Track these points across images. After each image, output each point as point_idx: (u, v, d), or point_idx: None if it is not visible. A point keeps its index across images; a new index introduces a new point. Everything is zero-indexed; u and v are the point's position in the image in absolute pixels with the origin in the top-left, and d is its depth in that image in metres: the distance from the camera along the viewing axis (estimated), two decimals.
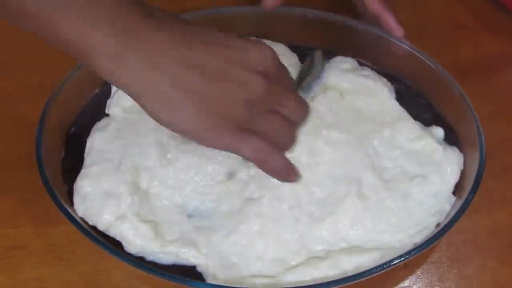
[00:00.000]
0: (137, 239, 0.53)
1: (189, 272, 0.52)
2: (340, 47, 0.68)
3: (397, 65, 0.65)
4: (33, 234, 0.57)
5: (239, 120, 0.42)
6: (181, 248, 0.52)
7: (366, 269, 0.49)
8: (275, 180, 0.50)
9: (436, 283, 0.54)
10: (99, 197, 0.54)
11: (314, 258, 0.52)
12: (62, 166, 0.59)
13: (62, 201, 0.52)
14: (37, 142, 0.56)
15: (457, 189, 0.56)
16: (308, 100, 0.54)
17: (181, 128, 0.42)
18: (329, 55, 0.65)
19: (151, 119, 0.58)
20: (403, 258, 0.50)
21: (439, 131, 0.60)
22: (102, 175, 0.55)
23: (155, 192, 0.55)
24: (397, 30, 0.65)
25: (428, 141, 0.58)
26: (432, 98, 0.64)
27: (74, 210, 0.54)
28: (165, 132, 0.58)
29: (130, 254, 0.52)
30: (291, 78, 0.47)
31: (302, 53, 0.67)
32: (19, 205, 0.59)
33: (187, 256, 0.52)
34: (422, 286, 0.54)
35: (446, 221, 0.53)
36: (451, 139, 0.60)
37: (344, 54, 0.67)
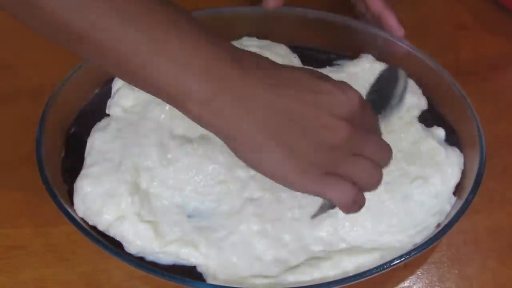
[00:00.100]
0: (137, 239, 0.53)
1: (189, 272, 0.52)
2: (340, 47, 0.68)
3: (397, 65, 0.65)
4: (33, 234, 0.57)
5: (325, 164, 0.42)
6: (181, 248, 0.52)
7: (366, 269, 0.49)
8: (272, 182, 0.50)
9: (436, 283, 0.54)
10: (99, 197, 0.54)
11: (314, 259, 0.52)
12: (62, 166, 0.59)
13: (62, 201, 0.52)
14: (37, 142, 0.56)
15: (457, 189, 0.56)
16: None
17: (270, 172, 0.43)
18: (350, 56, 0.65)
19: (151, 119, 0.59)
20: (403, 259, 0.50)
21: (440, 132, 0.60)
22: (102, 175, 0.55)
23: (155, 192, 0.55)
24: (398, 30, 0.65)
25: (430, 143, 0.58)
26: (432, 98, 0.64)
27: (74, 210, 0.54)
28: (165, 132, 0.58)
29: (130, 254, 0.52)
30: (375, 118, 0.47)
31: (303, 53, 0.68)
32: (19, 205, 0.59)
33: (187, 256, 0.52)
34: (422, 286, 0.54)
35: (446, 221, 0.53)
36: (452, 139, 0.60)
37: (344, 54, 0.67)
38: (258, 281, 0.51)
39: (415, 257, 0.50)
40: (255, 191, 0.55)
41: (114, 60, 0.41)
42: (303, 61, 0.67)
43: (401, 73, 0.52)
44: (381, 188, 0.54)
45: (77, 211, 0.54)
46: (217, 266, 0.52)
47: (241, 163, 0.55)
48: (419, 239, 0.53)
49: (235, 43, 0.66)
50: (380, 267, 0.49)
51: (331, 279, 0.49)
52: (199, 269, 0.52)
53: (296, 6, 0.69)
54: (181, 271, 0.52)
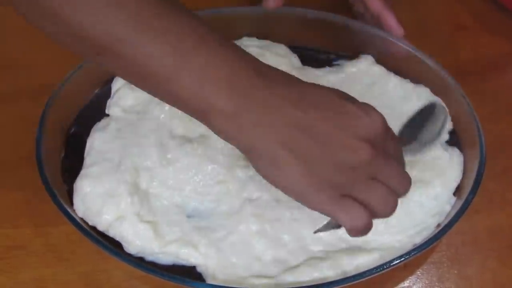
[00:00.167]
0: (136, 239, 0.53)
1: (189, 273, 0.52)
2: (340, 47, 0.68)
3: (397, 65, 0.65)
4: (33, 234, 0.57)
5: (343, 185, 0.42)
6: (180, 248, 0.52)
7: (366, 269, 0.49)
8: None
9: (436, 283, 0.54)
10: (99, 197, 0.54)
11: (314, 259, 0.52)
12: (62, 166, 0.59)
13: (62, 201, 0.53)
14: (37, 142, 0.56)
15: (457, 190, 0.56)
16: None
17: (286, 188, 0.43)
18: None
19: (151, 119, 0.59)
20: (403, 259, 0.50)
21: (444, 135, 0.60)
22: (102, 175, 0.55)
23: (154, 192, 0.55)
24: (397, 30, 0.65)
25: (435, 151, 0.58)
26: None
27: (74, 210, 0.54)
28: (165, 132, 0.58)
29: (129, 255, 0.52)
30: (398, 145, 0.46)
31: (302, 53, 0.67)
32: (19, 205, 0.59)
33: (186, 256, 0.52)
34: (422, 286, 0.54)
35: (446, 222, 0.53)
36: (451, 139, 0.60)
37: (344, 54, 0.67)
38: (258, 281, 0.51)
39: (415, 257, 0.50)
40: (254, 192, 0.55)
41: (139, 74, 0.41)
42: (303, 61, 0.67)
43: (442, 111, 0.52)
44: None
45: (76, 211, 0.54)
46: (217, 266, 0.52)
47: (240, 163, 0.56)
48: (418, 239, 0.53)
49: (236, 43, 0.67)
50: (380, 267, 0.49)
51: (331, 279, 0.49)
52: (198, 269, 0.52)
53: (296, 6, 0.68)
54: (180, 271, 0.52)
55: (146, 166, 0.56)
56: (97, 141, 0.58)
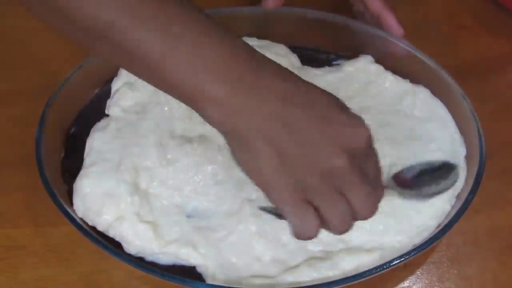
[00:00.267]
0: (136, 239, 0.53)
1: (189, 273, 0.52)
2: (339, 47, 0.68)
3: (397, 65, 0.65)
4: (33, 234, 0.57)
5: (308, 190, 0.42)
6: (180, 248, 0.52)
7: (366, 269, 0.49)
8: None
9: (436, 283, 0.54)
10: (98, 198, 0.54)
11: (314, 259, 0.52)
12: (62, 166, 0.59)
13: (62, 202, 0.53)
14: (37, 142, 0.56)
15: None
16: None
17: (255, 176, 0.42)
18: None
19: (151, 119, 0.59)
20: (403, 259, 0.50)
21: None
22: (102, 175, 0.55)
23: (154, 192, 0.55)
24: (397, 30, 0.65)
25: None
26: None
27: (74, 211, 0.54)
28: (164, 133, 0.58)
29: (129, 255, 0.52)
30: (378, 166, 0.45)
31: (302, 53, 0.68)
32: (19, 205, 0.59)
33: (186, 256, 0.52)
34: (422, 286, 0.54)
35: (446, 222, 0.53)
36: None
37: (344, 54, 0.68)
38: (258, 281, 0.51)
39: (415, 257, 0.50)
40: (253, 192, 0.55)
41: (128, 59, 0.41)
42: (303, 61, 0.67)
43: (456, 176, 0.52)
44: None
45: (76, 211, 0.54)
46: (216, 266, 0.52)
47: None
48: (418, 239, 0.53)
49: None
50: (380, 267, 0.49)
51: (331, 279, 0.49)
52: (198, 269, 0.52)
53: (296, 6, 0.68)
54: (180, 271, 0.52)
55: (146, 166, 0.56)
56: (97, 141, 0.58)
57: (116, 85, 0.63)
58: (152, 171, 0.56)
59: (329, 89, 0.63)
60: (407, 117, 0.62)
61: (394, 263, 0.49)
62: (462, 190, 0.55)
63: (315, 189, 0.42)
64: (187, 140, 0.57)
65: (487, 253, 0.56)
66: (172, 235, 0.53)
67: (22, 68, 0.71)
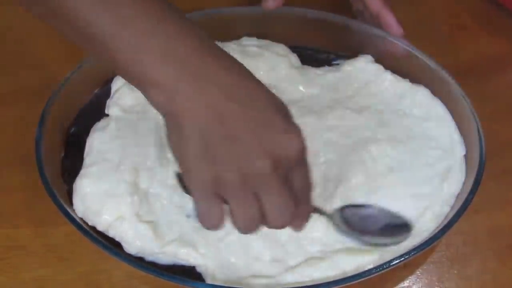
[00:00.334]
0: (136, 239, 0.53)
1: (189, 272, 0.52)
2: (339, 47, 0.68)
3: (397, 65, 0.65)
4: (33, 234, 0.57)
5: (224, 185, 0.42)
6: (180, 248, 0.52)
7: (366, 269, 0.49)
8: None
9: (436, 283, 0.54)
10: (98, 198, 0.54)
11: (313, 259, 0.52)
12: (62, 166, 0.59)
13: (62, 202, 0.53)
14: (37, 142, 0.56)
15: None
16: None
17: (179, 159, 0.42)
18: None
19: (151, 119, 0.59)
20: (402, 259, 0.50)
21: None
22: (102, 175, 0.55)
23: (154, 192, 0.55)
24: (397, 29, 0.65)
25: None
26: None
27: (74, 210, 0.54)
28: (164, 132, 0.58)
29: (129, 255, 0.52)
30: (307, 182, 0.45)
31: (302, 53, 0.68)
32: (19, 205, 0.59)
33: (185, 256, 0.52)
34: (421, 286, 0.54)
35: (445, 222, 0.52)
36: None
37: (344, 54, 0.68)
38: (257, 281, 0.51)
39: (415, 257, 0.50)
40: None
41: (82, 38, 0.42)
42: (303, 60, 0.67)
43: (404, 239, 0.51)
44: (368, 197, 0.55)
45: (76, 211, 0.54)
46: (216, 266, 0.52)
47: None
48: (418, 239, 0.53)
49: (235, 43, 0.67)
50: (380, 267, 0.49)
51: (331, 279, 0.49)
52: (198, 269, 0.52)
53: (296, 6, 0.68)
54: (180, 271, 0.52)
55: (146, 166, 0.56)
56: (97, 141, 0.58)
57: (116, 85, 0.63)
58: (152, 171, 0.56)
59: (328, 88, 0.64)
60: (406, 116, 0.62)
61: (394, 263, 0.49)
62: (461, 190, 0.55)
63: (230, 186, 0.42)
64: None
65: (487, 253, 0.56)
66: (172, 235, 0.53)
67: (22, 68, 0.71)
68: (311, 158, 0.56)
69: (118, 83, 0.63)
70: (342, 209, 0.51)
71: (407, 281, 0.54)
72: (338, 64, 0.67)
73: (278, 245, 0.53)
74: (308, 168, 0.45)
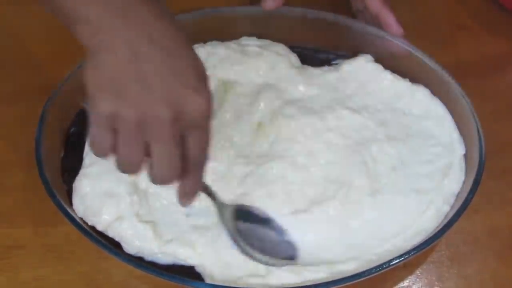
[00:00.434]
0: (136, 239, 0.53)
1: (189, 272, 0.52)
2: (339, 47, 0.68)
3: (396, 65, 0.65)
4: (33, 234, 0.57)
5: (120, 118, 0.42)
6: (178, 248, 0.52)
7: (366, 269, 0.49)
8: (268, 179, 0.52)
9: (436, 283, 0.54)
10: (98, 197, 0.54)
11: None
12: (62, 166, 0.59)
13: (62, 201, 0.53)
14: (37, 142, 0.56)
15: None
16: None
17: (88, 86, 0.43)
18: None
19: None
20: (402, 258, 0.50)
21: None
22: (101, 175, 0.55)
23: (154, 192, 0.55)
24: (397, 29, 0.65)
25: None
26: None
27: (74, 210, 0.54)
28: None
29: (129, 254, 0.52)
30: (202, 145, 0.45)
31: (302, 53, 0.68)
32: (19, 205, 0.59)
33: (184, 256, 0.52)
34: (421, 286, 0.54)
35: (445, 221, 0.52)
36: None
37: (343, 54, 0.68)
38: (256, 280, 0.50)
39: (415, 257, 0.50)
40: (250, 188, 0.55)
41: None
42: (302, 60, 0.67)
43: (292, 262, 0.52)
44: (370, 193, 0.55)
45: (76, 211, 0.54)
46: (214, 265, 0.51)
47: (238, 160, 0.56)
48: (418, 239, 0.53)
49: (235, 43, 0.67)
50: (380, 266, 0.49)
51: (331, 279, 0.49)
52: (197, 269, 0.52)
53: (296, 6, 0.68)
54: (180, 271, 0.52)
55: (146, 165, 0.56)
56: None
57: None
58: None
59: (328, 88, 0.64)
60: (406, 115, 0.62)
61: (393, 262, 0.49)
62: (461, 189, 0.55)
63: (124, 123, 0.42)
64: None
65: (487, 253, 0.56)
66: (171, 234, 0.53)
67: (22, 68, 0.71)
68: (311, 158, 0.57)
69: None
70: (237, 208, 0.52)
71: (407, 281, 0.54)
72: (337, 64, 0.67)
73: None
74: (208, 139, 0.45)
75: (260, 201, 0.54)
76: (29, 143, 0.56)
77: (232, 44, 0.66)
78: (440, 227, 0.52)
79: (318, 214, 0.54)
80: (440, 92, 0.63)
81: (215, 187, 0.55)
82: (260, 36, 0.68)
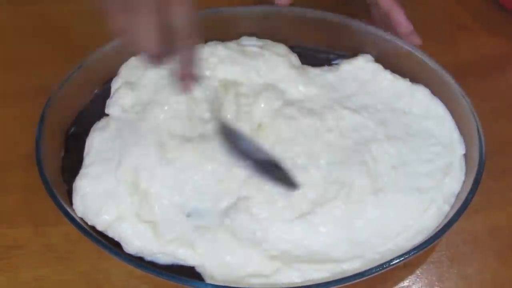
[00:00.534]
0: (136, 239, 0.53)
1: (189, 272, 0.52)
2: (339, 47, 0.68)
3: (396, 65, 0.65)
4: (33, 234, 0.57)
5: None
6: (178, 248, 0.52)
7: (366, 269, 0.49)
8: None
9: (436, 283, 0.54)
10: (98, 197, 0.54)
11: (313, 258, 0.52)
12: (62, 166, 0.59)
13: (62, 201, 0.53)
14: (37, 142, 0.56)
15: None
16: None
17: None
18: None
19: (151, 119, 0.59)
20: (402, 258, 0.50)
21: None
22: (102, 175, 0.55)
23: (154, 192, 0.55)
24: (406, 26, 0.65)
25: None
26: None
27: (74, 210, 0.54)
28: (164, 132, 0.58)
29: (129, 254, 0.52)
30: (186, 18, 0.46)
31: (302, 53, 0.68)
32: (19, 205, 0.59)
33: (184, 257, 0.52)
34: (421, 286, 0.54)
35: (445, 221, 0.52)
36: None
37: (344, 54, 0.68)
38: (256, 280, 0.50)
39: (415, 257, 0.50)
40: (251, 190, 0.55)
41: None
42: (302, 60, 0.67)
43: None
44: (371, 192, 0.55)
45: (76, 211, 0.54)
46: (214, 265, 0.51)
47: (239, 162, 0.56)
48: (418, 239, 0.53)
49: (235, 43, 0.67)
50: (380, 266, 0.49)
51: (331, 279, 0.49)
52: (197, 269, 0.52)
53: (296, 6, 0.68)
54: (180, 271, 0.52)
55: (146, 165, 0.56)
56: (97, 141, 0.58)
57: (116, 84, 0.63)
58: (152, 171, 0.56)
59: (328, 88, 0.64)
60: (406, 115, 0.62)
61: (394, 262, 0.49)
62: (461, 189, 0.55)
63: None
64: (186, 139, 0.57)
65: (487, 253, 0.56)
66: (171, 235, 0.53)
67: (22, 68, 0.71)
68: (311, 159, 0.57)
69: (118, 83, 0.63)
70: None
71: (407, 281, 0.54)
72: (337, 64, 0.67)
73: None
74: (191, 12, 0.46)
75: (260, 207, 0.54)
76: (29, 143, 0.56)
77: (232, 44, 0.66)
78: (441, 227, 0.52)
79: (322, 215, 0.54)
80: (440, 92, 0.63)
81: (215, 189, 0.55)
82: (260, 36, 0.68)
